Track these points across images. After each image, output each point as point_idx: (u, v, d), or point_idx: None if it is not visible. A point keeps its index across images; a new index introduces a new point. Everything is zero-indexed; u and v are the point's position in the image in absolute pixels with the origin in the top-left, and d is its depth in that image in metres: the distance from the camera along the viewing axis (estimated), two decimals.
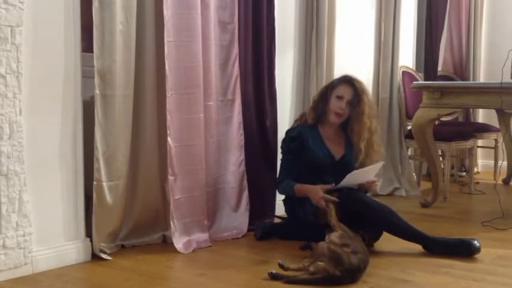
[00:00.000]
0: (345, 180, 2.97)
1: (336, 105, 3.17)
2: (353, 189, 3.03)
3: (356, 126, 3.17)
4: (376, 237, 3.01)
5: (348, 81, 3.20)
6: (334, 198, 2.92)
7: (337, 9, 4.14)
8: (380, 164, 3.15)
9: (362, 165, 3.11)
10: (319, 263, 2.47)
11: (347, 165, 3.13)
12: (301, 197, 3.09)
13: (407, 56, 5.13)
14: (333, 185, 3.01)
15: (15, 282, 2.45)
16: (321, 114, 3.21)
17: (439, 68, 5.53)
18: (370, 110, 3.18)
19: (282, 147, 3.27)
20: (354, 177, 3.00)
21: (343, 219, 2.82)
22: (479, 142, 5.54)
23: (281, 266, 2.56)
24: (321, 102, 3.22)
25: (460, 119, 5.62)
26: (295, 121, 3.38)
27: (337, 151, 3.19)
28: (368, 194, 3.19)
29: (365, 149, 3.14)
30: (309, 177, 3.13)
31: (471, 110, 5.61)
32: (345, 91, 3.17)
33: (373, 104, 3.30)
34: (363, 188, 3.12)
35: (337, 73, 4.11)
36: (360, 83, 3.21)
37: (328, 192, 2.98)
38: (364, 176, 3.04)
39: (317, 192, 2.99)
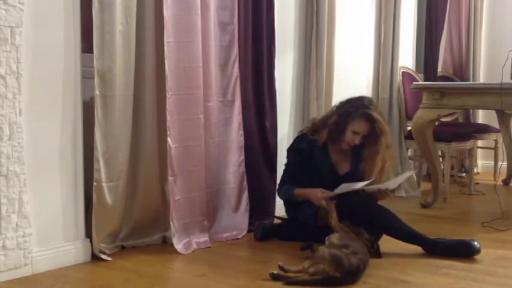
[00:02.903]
0: (338, 189, 2.94)
1: (350, 138, 3.05)
2: (352, 191, 3.01)
3: (367, 165, 3.05)
4: (376, 238, 3.00)
5: (369, 119, 3.01)
6: (333, 193, 2.93)
7: (337, 9, 4.14)
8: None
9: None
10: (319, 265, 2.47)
11: (350, 181, 3.02)
12: (301, 200, 3.08)
13: (407, 57, 5.14)
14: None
15: (15, 282, 2.45)
16: (334, 139, 3.11)
17: (439, 69, 5.53)
18: (386, 151, 3.03)
19: (288, 154, 3.22)
20: (347, 187, 2.96)
21: (344, 219, 2.83)
22: (479, 143, 5.54)
23: (281, 268, 2.55)
24: (335, 131, 3.07)
25: (460, 120, 5.62)
26: (305, 127, 3.26)
27: (342, 166, 3.14)
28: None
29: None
30: (311, 183, 3.10)
31: (471, 110, 5.61)
32: (363, 129, 3.03)
33: (391, 143, 3.11)
34: (376, 196, 3.07)
35: (337, 74, 4.15)
36: (381, 123, 3.01)
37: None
38: (357, 185, 2.97)
39: (316, 193, 2.99)
